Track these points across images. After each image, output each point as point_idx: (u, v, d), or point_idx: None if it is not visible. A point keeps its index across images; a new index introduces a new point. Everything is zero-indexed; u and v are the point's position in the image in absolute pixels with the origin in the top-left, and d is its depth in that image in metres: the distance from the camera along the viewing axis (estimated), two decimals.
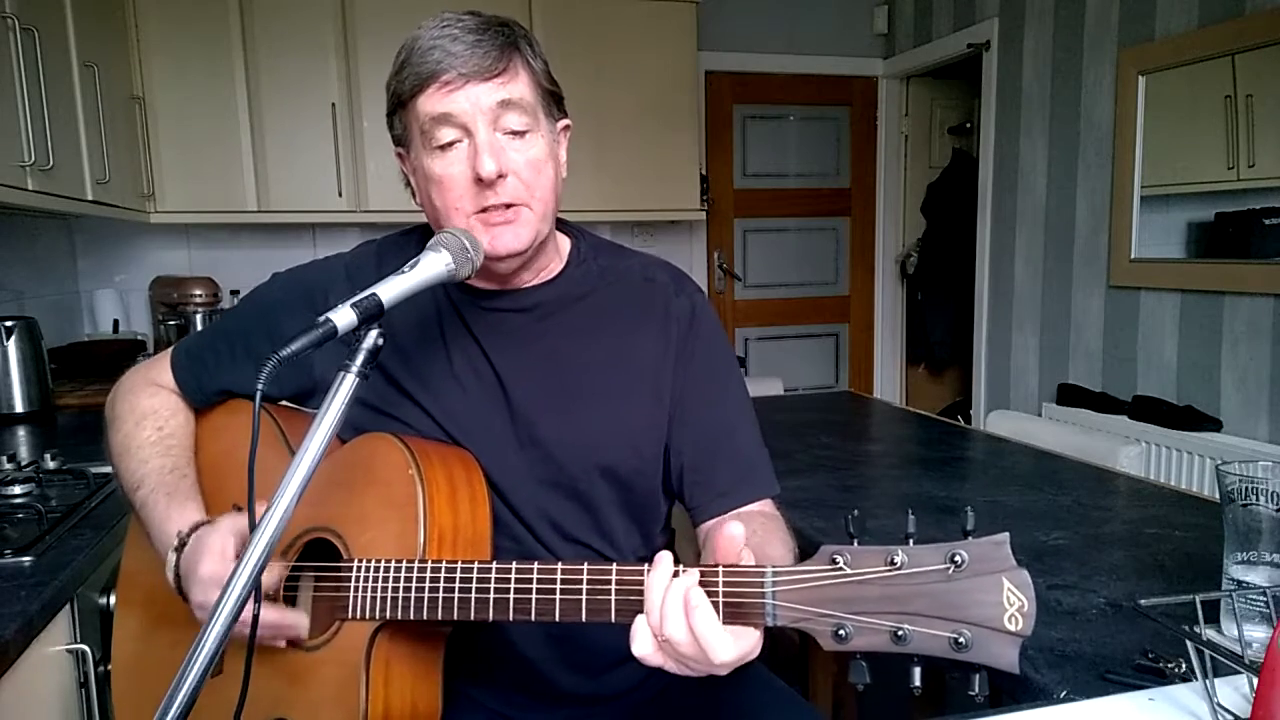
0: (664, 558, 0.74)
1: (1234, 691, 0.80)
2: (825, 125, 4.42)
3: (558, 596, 0.79)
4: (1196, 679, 0.80)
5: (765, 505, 1.03)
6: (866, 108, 4.45)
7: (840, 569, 0.67)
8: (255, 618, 0.77)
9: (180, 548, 0.92)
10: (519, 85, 0.93)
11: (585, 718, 1.05)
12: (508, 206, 0.92)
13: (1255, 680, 0.70)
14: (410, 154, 0.97)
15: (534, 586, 0.81)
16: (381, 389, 1.01)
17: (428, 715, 0.93)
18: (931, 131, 4.55)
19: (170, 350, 1.13)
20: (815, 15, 4.25)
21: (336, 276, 1.04)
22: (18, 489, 1.46)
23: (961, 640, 0.63)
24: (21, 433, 2.09)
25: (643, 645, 0.72)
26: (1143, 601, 0.88)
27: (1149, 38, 2.88)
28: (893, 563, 0.65)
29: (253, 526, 0.72)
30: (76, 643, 1.21)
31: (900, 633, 0.65)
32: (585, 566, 0.79)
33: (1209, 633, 0.89)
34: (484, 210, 0.92)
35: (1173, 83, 2.81)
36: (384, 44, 3.16)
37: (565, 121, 1.01)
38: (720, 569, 0.72)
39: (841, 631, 0.66)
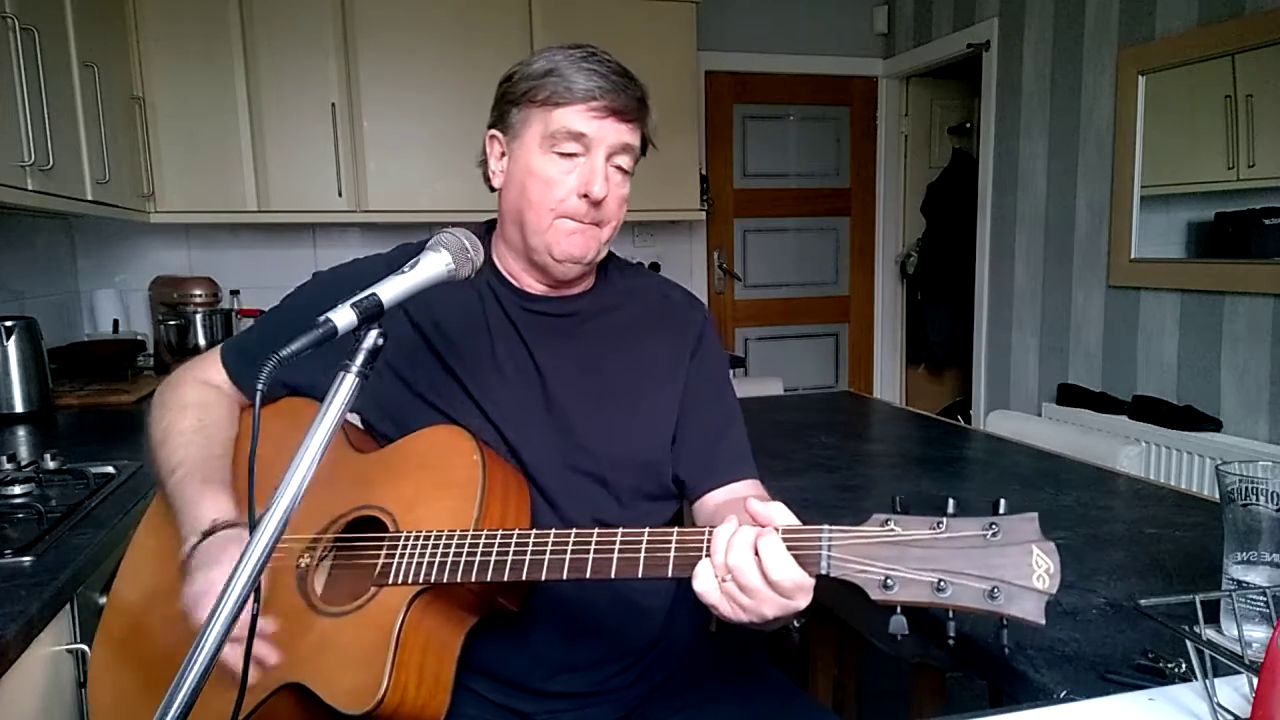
0: (731, 518, 0.83)
1: (1234, 691, 0.80)
2: (825, 125, 4.42)
3: (615, 554, 0.85)
4: (1196, 679, 0.79)
5: (757, 486, 1.13)
6: (866, 108, 4.44)
7: (891, 530, 0.76)
8: (255, 618, 0.77)
9: (210, 533, 0.96)
10: (637, 136, 1.08)
11: (581, 709, 1.06)
12: (592, 223, 1.06)
13: (1255, 680, 0.70)
14: (511, 143, 1.08)
15: (591, 545, 0.86)
16: (435, 374, 1.08)
17: (443, 688, 0.94)
18: (931, 131, 4.55)
19: (218, 349, 1.19)
20: (815, 15, 4.24)
21: (378, 273, 1.05)
22: (18, 489, 1.46)
23: (995, 593, 0.71)
24: (21, 433, 2.09)
25: (705, 582, 0.80)
26: (1143, 601, 0.88)
27: (1149, 38, 2.88)
28: (937, 528, 0.74)
29: (253, 526, 0.72)
30: (76, 643, 1.21)
31: (941, 584, 0.72)
32: (646, 529, 0.86)
33: (1209, 633, 0.89)
34: (568, 216, 1.05)
35: (1173, 83, 2.81)
36: (384, 44, 3.17)
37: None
38: (780, 526, 0.80)
39: (889, 582, 0.74)
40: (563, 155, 1.04)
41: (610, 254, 1.19)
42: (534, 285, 1.13)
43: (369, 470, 1.03)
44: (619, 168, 1.07)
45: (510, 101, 1.07)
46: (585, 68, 1.03)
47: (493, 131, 1.11)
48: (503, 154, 1.10)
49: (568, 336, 1.12)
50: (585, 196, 1.03)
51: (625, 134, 1.05)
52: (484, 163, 1.13)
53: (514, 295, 1.13)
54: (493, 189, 1.13)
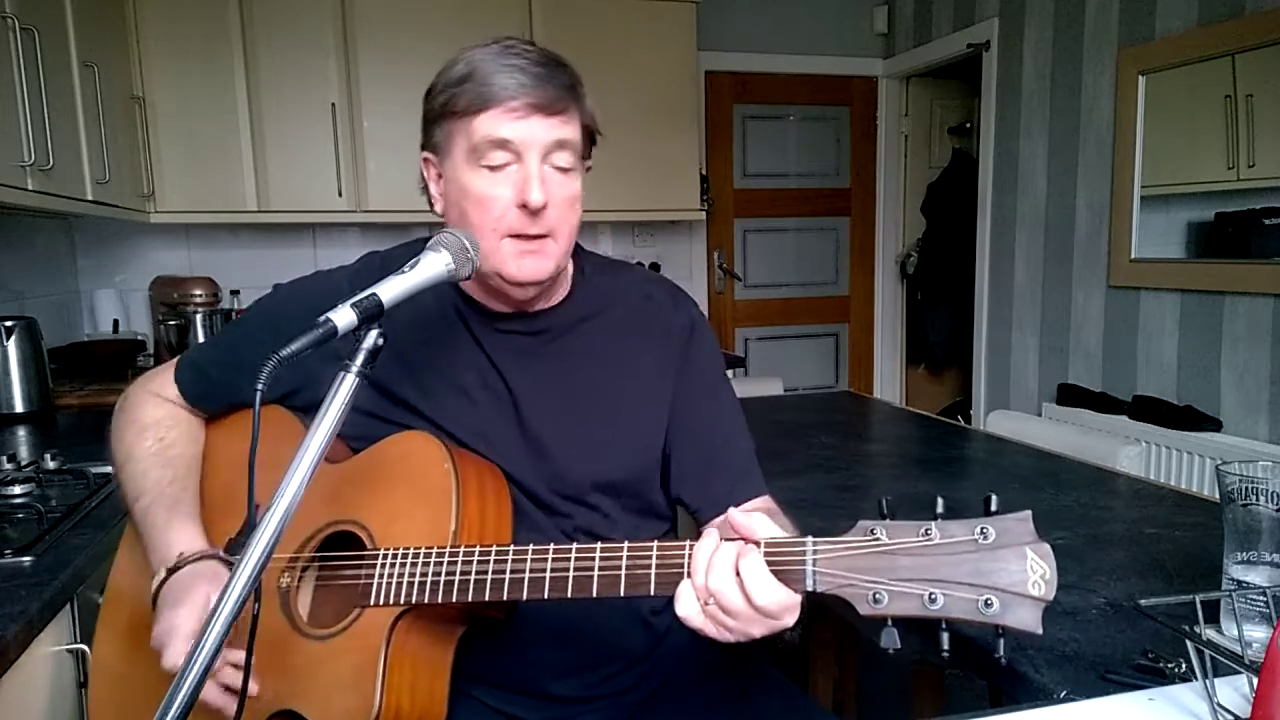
0: (711, 533, 0.79)
1: (1234, 691, 0.80)
2: (825, 125, 4.42)
3: (595, 572, 0.82)
4: (1196, 679, 0.79)
5: (766, 501, 1.08)
6: (866, 108, 4.44)
7: (877, 539, 0.72)
8: (255, 618, 0.77)
9: (176, 569, 0.94)
10: (572, 127, 0.97)
11: (581, 714, 1.06)
12: (539, 237, 0.96)
13: (1255, 680, 0.70)
14: (443, 163, 1.00)
15: (571, 563, 0.83)
16: (384, 403, 1.02)
17: (438, 702, 0.94)
18: (931, 131, 4.55)
19: (173, 363, 1.14)
20: (815, 15, 4.24)
21: (341, 286, 1.04)
22: (18, 489, 1.46)
23: (989, 603, 0.68)
24: (21, 433, 2.09)
25: (687, 606, 0.77)
26: (1143, 601, 0.88)
27: (1149, 38, 2.88)
28: (926, 534, 0.71)
29: (253, 527, 0.72)
30: (76, 643, 1.21)
31: (932, 596, 0.69)
32: (625, 544, 0.82)
33: (1209, 633, 0.89)
34: (516, 236, 0.95)
35: (1173, 83, 2.81)
36: (384, 44, 3.17)
37: (589, 162, 1.04)
38: (762, 540, 0.76)
39: (877, 596, 0.71)
40: (493, 169, 0.94)
41: (586, 254, 1.12)
42: (499, 306, 1.05)
43: (341, 482, 1.00)
44: (558, 167, 0.96)
45: (433, 118, 0.99)
46: (504, 64, 0.94)
47: (424, 154, 1.03)
48: (439, 175, 1.01)
49: (539, 354, 1.05)
50: (524, 206, 0.94)
51: (556, 128, 0.95)
52: (425, 188, 1.05)
53: (481, 316, 1.05)
54: (439, 215, 1.05)
